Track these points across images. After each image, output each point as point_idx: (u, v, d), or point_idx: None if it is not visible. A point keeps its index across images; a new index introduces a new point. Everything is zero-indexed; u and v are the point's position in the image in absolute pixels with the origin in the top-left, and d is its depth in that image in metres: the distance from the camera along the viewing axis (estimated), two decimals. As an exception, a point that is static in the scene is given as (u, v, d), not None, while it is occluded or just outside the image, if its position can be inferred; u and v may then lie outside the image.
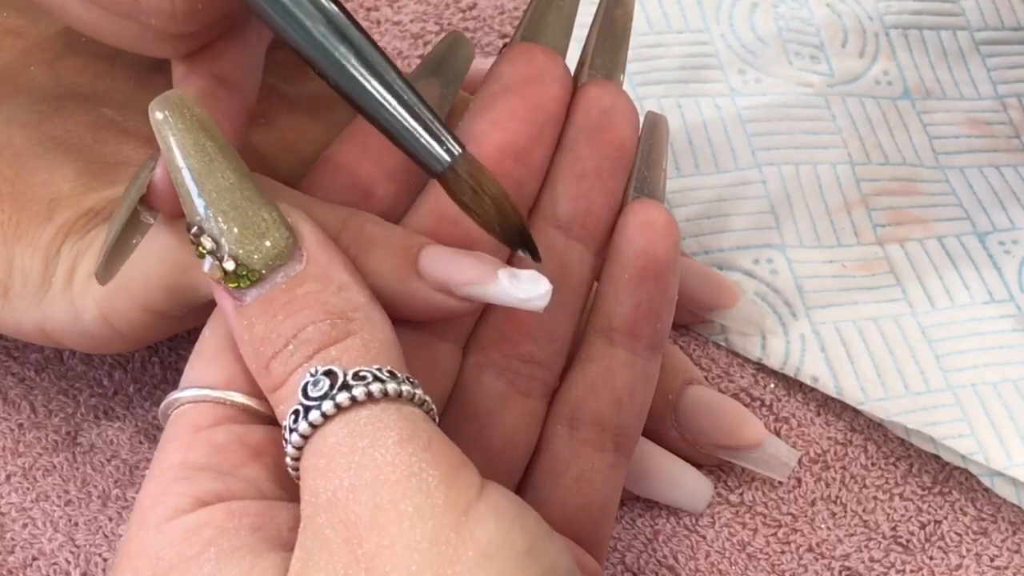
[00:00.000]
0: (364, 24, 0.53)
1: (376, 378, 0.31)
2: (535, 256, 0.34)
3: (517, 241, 0.34)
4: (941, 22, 0.55)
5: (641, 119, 0.40)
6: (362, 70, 0.33)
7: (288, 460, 0.31)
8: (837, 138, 0.51)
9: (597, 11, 0.40)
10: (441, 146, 0.33)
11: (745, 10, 0.54)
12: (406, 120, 0.33)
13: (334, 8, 0.33)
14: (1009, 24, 0.55)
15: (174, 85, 0.36)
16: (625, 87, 0.40)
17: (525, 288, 0.34)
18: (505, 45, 0.39)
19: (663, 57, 0.52)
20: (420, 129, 0.33)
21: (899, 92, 0.53)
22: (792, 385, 0.45)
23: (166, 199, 0.34)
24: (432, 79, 0.39)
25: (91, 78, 0.41)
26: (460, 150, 0.33)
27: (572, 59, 0.39)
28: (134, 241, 0.35)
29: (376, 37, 0.53)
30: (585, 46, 0.40)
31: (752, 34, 0.54)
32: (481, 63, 0.43)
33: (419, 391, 0.31)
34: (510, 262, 0.35)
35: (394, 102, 0.33)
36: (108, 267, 0.35)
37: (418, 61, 0.50)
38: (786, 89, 0.52)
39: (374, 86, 0.33)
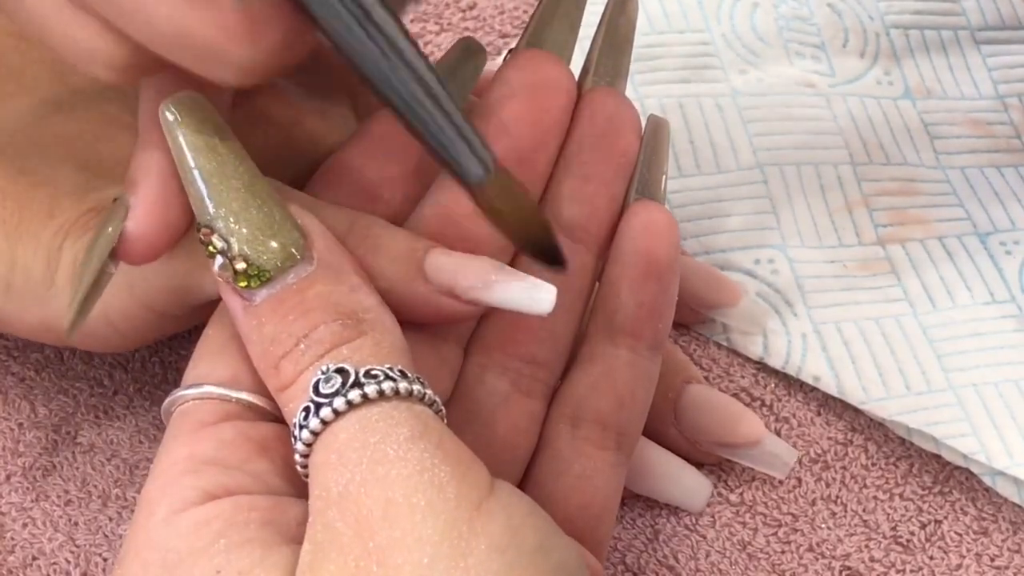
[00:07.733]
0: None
1: (387, 376, 0.31)
2: (563, 267, 0.33)
3: (547, 257, 0.33)
4: (942, 22, 0.55)
5: (643, 121, 0.40)
6: (403, 73, 0.31)
7: (297, 457, 0.31)
8: (838, 138, 0.51)
9: (601, 19, 0.40)
10: (477, 159, 0.32)
11: (746, 9, 0.54)
12: (444, 129, 0.31)
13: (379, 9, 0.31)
14: (1010, 23, 0.55)
15: (140, 108, 0.35)
16: (627, 87, 0.40)
17: (530, 293, 0.34)
18: (510, 51, 0.39)
19: (664, 57, 0.52)
20: (456, 139, 0.31)
21: (900, 92, 0.53)
22: (793, 385, 0.45)
23: (138, 251, 0.33)
24: None
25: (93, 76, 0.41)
26: (495, 164, 0.32)
27: (576, 65, 0.40)
28: (101, 291, 0.34)
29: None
30: (589, 53, 0.40)
31: (753, 34, 0.53)
32: (483, 64, 0.43)
33: (429, 391, 0.32)
34: (514, 265, 0.35)
35: (433, 109, 0.31)
36: (77, 323, 0.34)
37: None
38: (787, 89, 0.52)
39: (413, 89, 0.31)
